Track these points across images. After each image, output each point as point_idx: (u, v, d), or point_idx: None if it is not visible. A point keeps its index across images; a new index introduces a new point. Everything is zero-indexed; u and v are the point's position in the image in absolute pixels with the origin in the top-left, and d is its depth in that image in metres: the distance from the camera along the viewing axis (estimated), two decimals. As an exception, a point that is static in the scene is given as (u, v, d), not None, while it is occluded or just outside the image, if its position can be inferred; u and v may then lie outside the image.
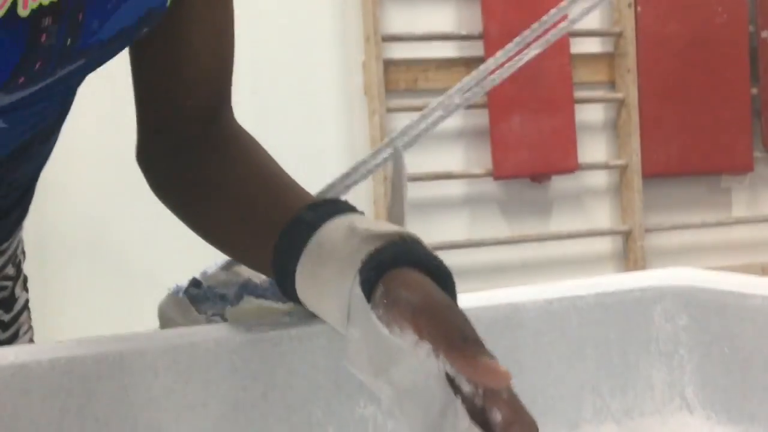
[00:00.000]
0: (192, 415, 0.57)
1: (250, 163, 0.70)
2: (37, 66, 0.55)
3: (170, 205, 0.72)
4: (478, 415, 0.47)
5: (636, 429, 0.72)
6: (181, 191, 0.71)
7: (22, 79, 0.55)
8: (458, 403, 0.47)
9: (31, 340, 0.83)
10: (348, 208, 0.60)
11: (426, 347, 0.49)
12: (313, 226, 0.58)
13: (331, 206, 0.60)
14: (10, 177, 0.70)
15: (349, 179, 0.82)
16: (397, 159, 0.75)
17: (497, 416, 0.46)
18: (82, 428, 0.54)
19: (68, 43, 0.56)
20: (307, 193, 0.67)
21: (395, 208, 0.72)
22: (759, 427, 0.66)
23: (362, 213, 0.61)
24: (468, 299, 0.69)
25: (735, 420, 0.68)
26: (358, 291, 0.53)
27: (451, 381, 0.48)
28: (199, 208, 0.70)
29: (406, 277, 0.53)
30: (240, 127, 0.73)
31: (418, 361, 0.49)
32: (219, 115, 0.73)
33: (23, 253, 0.85)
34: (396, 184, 0.73)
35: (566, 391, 0.70)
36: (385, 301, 0.52)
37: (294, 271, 0.58)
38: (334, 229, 0.57)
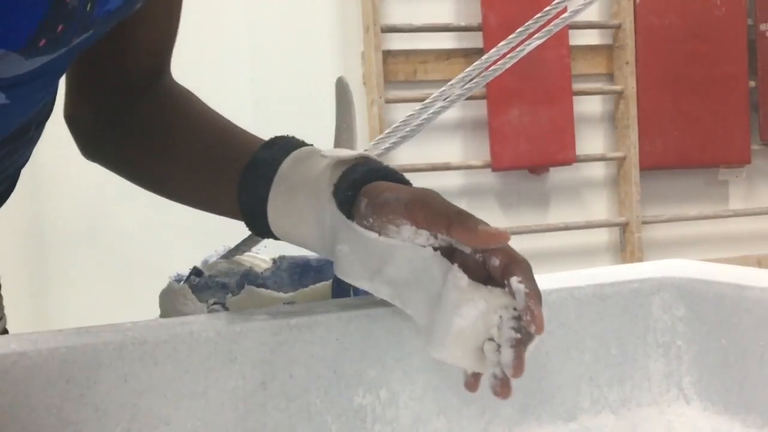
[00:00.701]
0: (191, 404, 0.57)
1: (196, 114, 0.72)
2: (59, 29, 0.55)
3: (107, 164, 0.74)
4: (473, 274, 0.53)
5: (633, 419, 0.72)
6: (123, 148, 0.73)
7: (43, 42, 0.55)
8: (455, 267, 0.53)
9: (5, 330, 0.82)
10: (301, 143, 0.65)
11: (424, 233, 0.55)
12: (274, 162, 0.62)
13: (284, 143, 0.64)
14: (5, 164, 0.70)
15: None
16: (341, 87, 0.83)
17: (495, 261, 0.53)
18: (81, 417, 0.54)
19: (88, 8, 0.56)
20: (257, 137, 0.69)
21: (345, 135, 0.80)
22: (756, 417, 0.66)
23: (313, 145, 0.65)
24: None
25: (732, 410, 0.68)
26: (337, 212, 0.58)
27: (447, 255, 0.55)
28: (148, 163, 0.72)
29: (384, 185, 0.58)
30: (179, 85, 0.76)
31: (413, 251, 0.55)
32: (162, 75, 0.75)
33: None
34: (342, 110, 0.81)
35: (564, 381, 0.70)
36: (372, 208, 0.56)
37: (264, 207, 0.62)
38: (296, 161, 0.62)
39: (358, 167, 0.60)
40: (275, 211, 0.62)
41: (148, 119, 0.71)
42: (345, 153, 0.61)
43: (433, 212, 0.54)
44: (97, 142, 0.75)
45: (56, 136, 0.82)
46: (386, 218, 0.56)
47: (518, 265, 0.53)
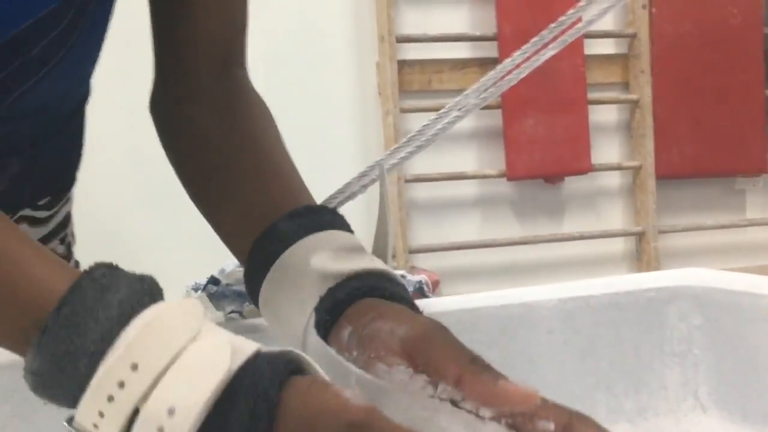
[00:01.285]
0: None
1: (252, 133, 0.69)
2: None
3: (170, 158, 0.72)
4: None
5: (650, 429, 0.72)
6: (180, 145, 0.70)
7: None
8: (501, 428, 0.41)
9: None
10: (329, 223, 0.57)
11: (421, 379, 0.43)
12: (285, 242, 0.56)
13: (309, 218, 0.57)
14: (26, 90, 0.66)
15: (364, 179, 0.82)
16: (381, 180, 0.73)
17: (549, 426, 0.41)
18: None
19: None
20: (297, 185, 0.65)
21: (380, 231, 0.67)
22: (773, 426, 0.66)
23: (344, 226, 0.58)
24: (481, 298, 0.70)
25: (749, 420, 0.68)
26: (316, 337, 0.49)
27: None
28: (191, 167, 0.69)
29: (375, 308, 0.48)
30: (255, 94, 0.73)
31: (411, 397, 0.42)
32: (230, 70, 0.72)
33: (73, 235, 0.85)
34: (381, 208, 0.68)
35: (580, 390, 0.70)
36: (357, 339, 0.47)
37: (259, 290, 0.57)
38: (303, 250, 0.55)
39: (351, 281, 0.51)
40: (264, 306, 0.57)
41: (209, 122, 0.68)
42: (347, 261, 0.53)
43: (440, 355, 0.43)
44: (164, 133, 0.73)
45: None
46: (376, 354, 0.45)
47: (582, 421, 0.41)
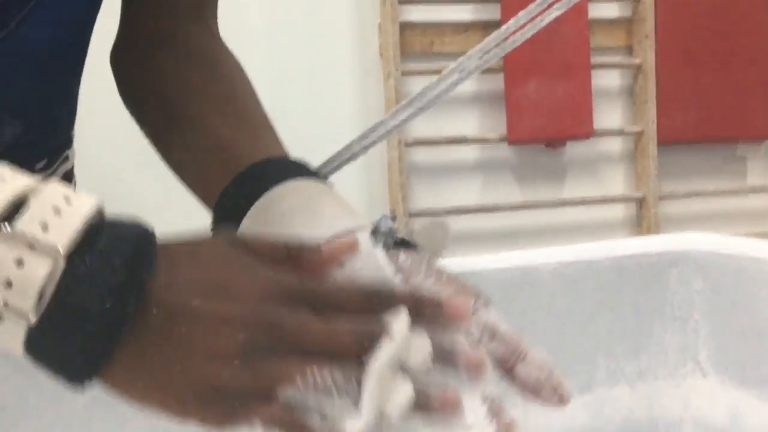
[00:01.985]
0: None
1: (230, 80, 0.68)
2: None
3: (131, 109, 0.71)
4: None
5: (649, 392, 0.72)
6: (143, 95, 0.70)
7: None
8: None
9: None
10: (300, 173, 0.57)
11: None
12: (268, 181, 0.55)
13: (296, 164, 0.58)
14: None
15: (365, 141, 0.82)
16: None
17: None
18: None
19: None
20: (274, 134, 0.64)
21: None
22: (772, 391, 0.66)
23: (313, 177, 0.57)
24: (482, 261, 0.70)
25: (748, 384, 0.68)
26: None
27: None
28: (156, 117, 0.69)
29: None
30: (222, 46, 0.71)
31: None
32: (206, 19, 0.71)
33: None
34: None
35: (580, 353, 0.70)
36: None
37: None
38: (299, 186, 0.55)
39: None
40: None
41: (175, 70, 0.68)
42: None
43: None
44: (124, 83, 0.72)
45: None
46: None
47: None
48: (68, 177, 0.83)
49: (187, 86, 0.67)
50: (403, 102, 0.81)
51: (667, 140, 3.10)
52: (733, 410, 0.69)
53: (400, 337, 0.42)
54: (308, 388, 0.41)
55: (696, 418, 0.72)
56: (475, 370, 0.44)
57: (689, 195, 3.18)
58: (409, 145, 2.83)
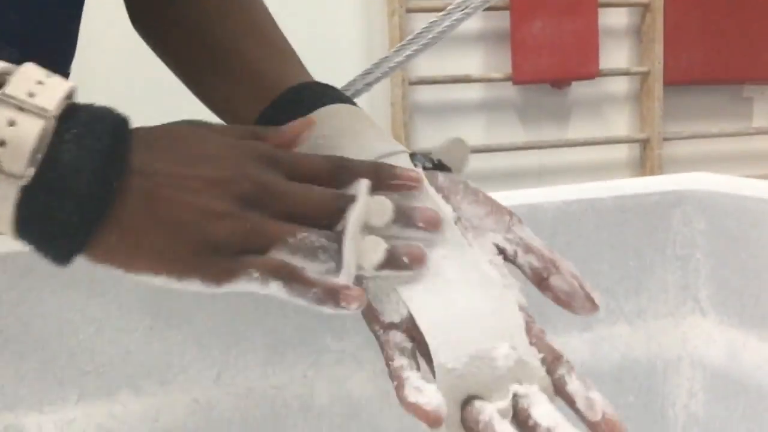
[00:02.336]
0: (212, 303, 0.58)
1: (240, 8, 0.68)
2: None
3: (151, 39, 0.71)
4: None
5: (648, 330, 0.73)
6: (164, 24, 0.70)
7: None
8: None
9: None
10: (335, 98, 0.58)
11: None
12: (309, 104, 0.57)
13: (329, 89, 0.59)
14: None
15: (369, 77, 0.81)
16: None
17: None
18: (105, 314, 0.55)
19: None
20: (296, 61, 0.65)
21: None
22: (771, 330, 0.66)
23: (347, 102, 0.58)
24: (486, 199, 0.69)
25: (747, 324, 0.68)
26: None
27: None
28: (180, 46, 0.69)
29: None
30: None
31: None
32: None
33: None
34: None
35: (581, 291, 0.70)
36: None
37: None
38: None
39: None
40: None
41: (193, 3, 0.68)
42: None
43: None
44: (146, 16, 0.72)
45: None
46: None
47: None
48: None
49: (209, 13, 0.67)
50: (408, 38, 0.80)
51: (674, 81, 3.07)
52: (731, 349, 0.69)
53: (364, 200, 0.46)
54: (295, 248, 0.44)
55: (694, 357, 0.73)
56: (430, 223, 0.47)
57: (694, 136, 3.16)
58: (413, 83, 2.81)
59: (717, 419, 0.70)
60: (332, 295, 0.43)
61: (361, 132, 0.54)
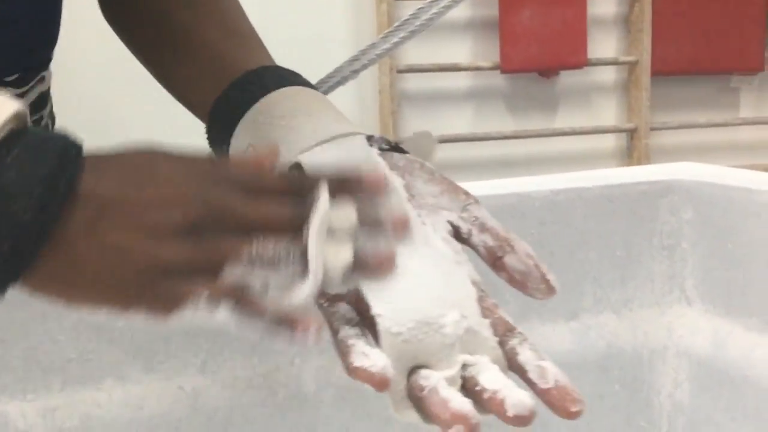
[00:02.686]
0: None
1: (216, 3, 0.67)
2: None
3: (118, 30, 0.71)
4: None
5: (634, 319, 0.73)
6: (130, 12, 0.69)
7: None
8: None
9: None
10: (295, 82, 0.57)
11: None
12: (263, 90, 0.55)
13: (262, 81, 0.57)
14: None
15: (355, 64, 0.81)
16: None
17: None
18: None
19: None
20: (261, 46, 0.64)
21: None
22: (757, 320, 0.66)
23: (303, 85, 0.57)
24: (473, 188, 0.69)
25: (733, 314, 0.68)
26: None
27: None
28: (144, 33, 0.68)
29: None
30: None
31: None
32: None
33: (52, 117, 0.83)
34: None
35: (567, 280, 0.71)
36: None
37: (229, 138, 0.56)
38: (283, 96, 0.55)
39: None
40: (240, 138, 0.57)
41: None
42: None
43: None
44: (113, 5, 0.71)
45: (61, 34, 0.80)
46: None
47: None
48: (44, 98, 0.81)
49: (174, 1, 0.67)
50: (395, 25, 0.79)
51: (662, 71, 3.07)
52: (717, 339, 0.69)
53: (325, 205, 0.43)
54: (253, 261, 0.41)
55: (680, 346, 0.73)
56: (399, 225, 0.45)
57: (681, 126, 3.17)
58: (401, 71, 2.80)
59: (702, 408, 0.71)
60: (287, 323, 0.40)
61: (317, 113, 0.53)
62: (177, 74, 0.66)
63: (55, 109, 0.84)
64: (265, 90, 0.55)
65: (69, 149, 0.40)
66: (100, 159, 0.42)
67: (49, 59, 0.79)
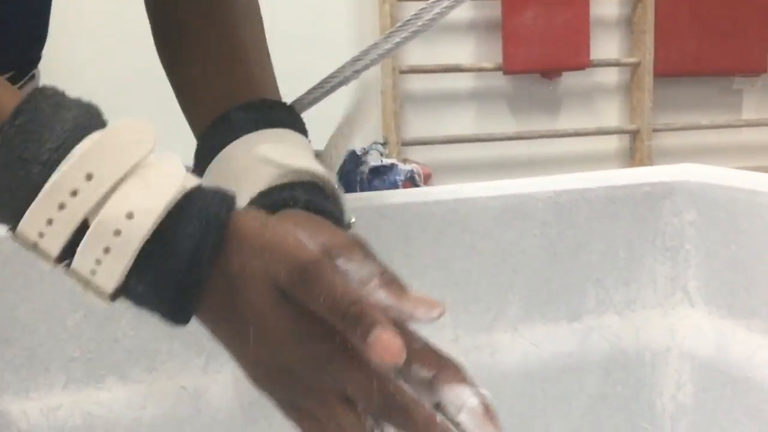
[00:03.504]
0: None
1: (232, 21, 0.67)
2: None
3: (153, 32, 0.72)
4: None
5: (636, 321, 0.73)
6: (163, 31, 0.69)
7: None
8: None
9: None
10: (283, 121, 0.57)
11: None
12: (233, 133, 0.56)
13: (264, 112, 0.57)
14: None
15: (357, 64, 0.80)
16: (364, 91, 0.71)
17: (422, 372, 0.41)
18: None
19: None
20: (264, 76, 0.64)
21: (338, 139, 0.64)
22: (760, 321, 0.66)
23: (297, 127, 0.58)
24: (476, 189, 0.69)
25: (736, 315, 0.68)
26: None
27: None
28: (171, 50, 0.68)
29: (297, 217, 0.48)
30: None
31: None
32: None
33: None
34: (352, 116, 0.65)
35: (570, 281, 0.70)
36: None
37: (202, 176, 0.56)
38: (249, 144, 0.55)
39: (283, 191, 0.51)
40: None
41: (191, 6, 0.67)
42: (289, 161, 0.53)
43: (357, 267, 0.42)
44: (159, 27, 0.72)
45: (63, 29, 0.80)
46: None
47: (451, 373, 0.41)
48: None
49: (194, 25, 0.66)
50: (397, 25, 0.79)
51: (664, 72, 3.07)
52: (720, 340, 0.69)
53: None
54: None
55: (683, 348, 0.73)
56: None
57: (684, 128, 3.17)
58: (403, 72, 2.80)
59: (705, 410, 0.70)
60: None
61: (253, 177, 0.52)
62: (180, 99, 0.67)
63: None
64: (222, 144, 0.55)
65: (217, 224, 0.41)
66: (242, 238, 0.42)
67: (39, 57, 0.80)
